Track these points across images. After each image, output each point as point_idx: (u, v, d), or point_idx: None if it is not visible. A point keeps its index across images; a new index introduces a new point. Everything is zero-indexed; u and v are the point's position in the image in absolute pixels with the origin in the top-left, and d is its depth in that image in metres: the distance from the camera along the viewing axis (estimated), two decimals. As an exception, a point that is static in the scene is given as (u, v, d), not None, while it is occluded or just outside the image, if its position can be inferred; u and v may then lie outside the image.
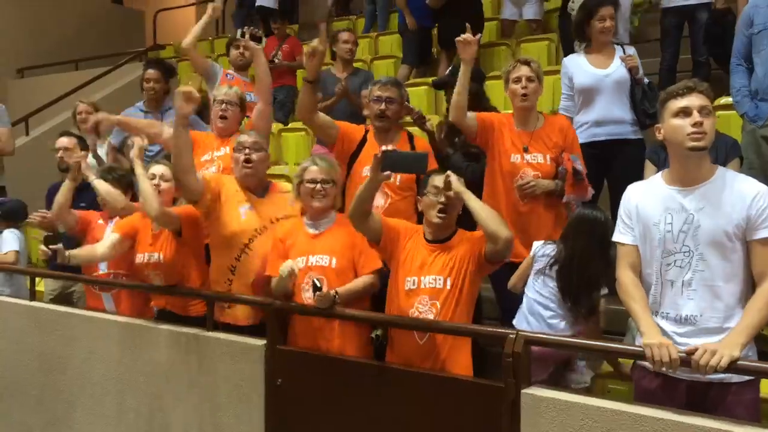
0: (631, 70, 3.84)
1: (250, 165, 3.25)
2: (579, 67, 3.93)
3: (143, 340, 3.46)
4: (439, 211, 2.78)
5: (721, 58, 5.18)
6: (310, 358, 2.99)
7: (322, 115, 3.33)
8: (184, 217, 3.37)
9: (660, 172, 2.45)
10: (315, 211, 3.09)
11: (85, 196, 4.17)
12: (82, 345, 3.71)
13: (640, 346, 2.23)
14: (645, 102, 3.86)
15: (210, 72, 4.86)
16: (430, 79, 6.21)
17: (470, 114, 3.29)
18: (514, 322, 2.96)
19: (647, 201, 2.36)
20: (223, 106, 3.77)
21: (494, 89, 4.63)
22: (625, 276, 2.36)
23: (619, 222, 2.44)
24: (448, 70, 4.58)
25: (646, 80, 3.94)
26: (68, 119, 7.78)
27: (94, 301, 3.90)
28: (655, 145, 3.49)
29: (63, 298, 4.36)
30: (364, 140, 3.37)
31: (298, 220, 3.17)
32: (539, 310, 2.89)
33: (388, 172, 2.63)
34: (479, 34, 3.12)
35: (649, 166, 3.43)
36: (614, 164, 3.77)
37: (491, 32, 6.86)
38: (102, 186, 3.79)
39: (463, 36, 3.13)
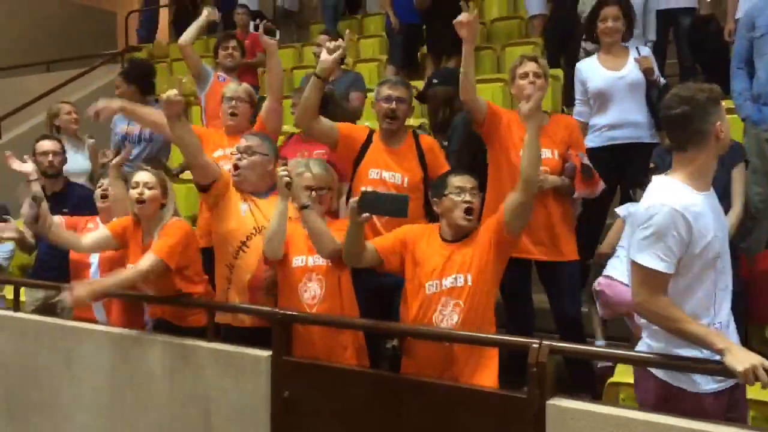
0: (645, 72, 3.79)
1: (236, 172, 3.22)
2: (592, 70, 3.88)
3: (138, 351, 3.32)
4: (466, 212, 2.72)
5: (702, 64, 5.25)
6: (319, 369, 2.89)
7: (322, 118, 3.24)
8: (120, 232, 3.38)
9: (671, 181, 2.22)
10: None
11: (65, 201, 4.03)
12: (72, 357, 3.55)
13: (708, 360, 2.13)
14: (659, 104, 3.84)
15: (202, 73, 4.80)
16: (416, 82, 6.18)
17: (480, 98, 3.23)
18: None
19: (699, 213, 2.16)
20: (233, 102, 3.74)
21: (481, 92, 4.60)
22: (664, 302, 2.14)
23: (659, 248, 2.12)
24: (427, 79, 4.53)
25: (662, 80, 3.90)
26: (43, 122, 7.64)
27: (83, 311, 3.73)
28: (660, 149, 3.47)
29: (46, 308, 4.18)
30: (369, 140, 3.29)
31: (296, 220, 3.10)
32: None
33: (366, 215, 2.58)
34: (476, 10, 3.05)
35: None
36: (629, 168, 3.73)
37: (479, 36, 6.86)
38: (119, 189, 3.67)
39: (460, 17, 3.03)
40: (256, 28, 3.77)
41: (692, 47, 5.13)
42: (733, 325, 2.30)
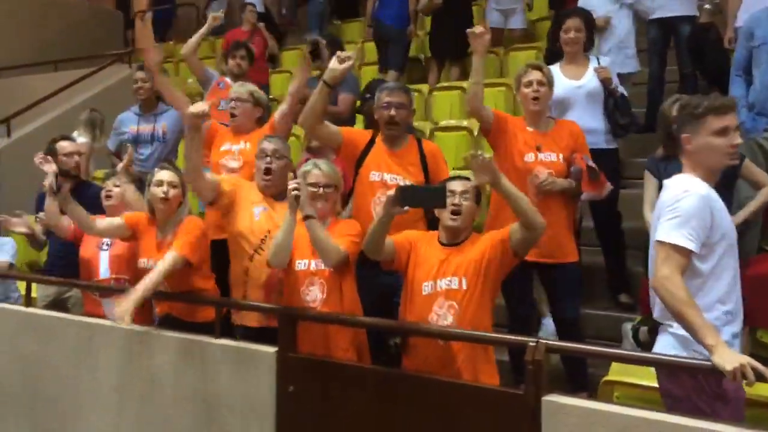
0: (604, 81, 3.93)
1: (269, 177, 3.29)
2: (554, 78, 4.00)
3: (147, 347, 3.41)
4: (453, 213, 2.81)
5: (702, 72, 5.34)
6: (323, 365, 2.98)
7: (327, 122, 3.34)
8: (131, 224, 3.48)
9: (691, 176, 2.40)
10: (317, 215, 3.08)
11: (80, 198, 4.10)
12: (82, 352, 3.64)
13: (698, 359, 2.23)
14: (616, 113, 3.97)
15: (206, 78, 4.91)
16: (421, 86, 6.28)
17: (487, 107, 3.37)
18: None
19: (718, 203, 2.36)
20: (233, 103, 3.84)
21: (484, 96, 4.69)
22: (680, 282, 2.26)
23: (687, 228, 2.27)
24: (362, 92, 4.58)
25: (621, 90, 4.04)
26: (52, 121, 7.74)
27: (93, 307, 3.83)
28: (653, 158, 3.56)
29: (58, 304, 4.28)
30: (371, 143, 3.37)
31: (301, 221, 3.17)
32: None
33: (406, 207, 2.65)
34: (488, 21, 3.18)
35: (649, 177, 3.50)
36: None
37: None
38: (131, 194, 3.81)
39: (474, 28, 3.19)
40: (316, 44, 3.62)
41: (692, 55, 5.21)
42: (741, 316, 2.42)
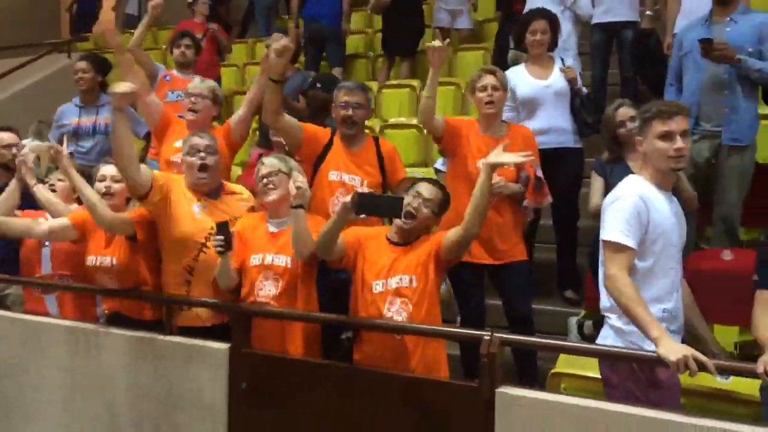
0: (570, 82, 4.04)
1: (204, 174, 3.18)
2: (521, 78, 4.11)
3: (94, 344, 3.32)
4: (406, 215, 2.84)
5: (642, 77, 5.52)
6: (277, 361, 2.97)
7: (287, 116, 3.31)
8: (138, 221, 3.25)
9: (638, 178, 2.54)
10: (270, 206, 3.06)
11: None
12: (29, 351, 3.52)
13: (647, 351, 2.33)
14: (583, 112, 4.09)
15: (154, 73, 4.82)
16: (371, 83, 6.30)
17: (438, 118, 3.40)
18: None
19: (656, 205, 2.45)
20: (192, 98, 3.70)
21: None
22: (627, 279, 2.36)
23: (623, 226, 2.41)
24: (312, 78, 4.63)
25: (585, 90, 4.17)
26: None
27: (34, 305, 3.70)
28: (599, 159, 3.67)
29: (-4, 301, 4.12)
30: (330, 143, 3.37)
31: (261, 215, 3.14)
32: None
33: (362, 216, 2.69)
34: (447, 40, 3.22)
35: (596, 177, 3.60)
36: (556, 172, 3.94)
37: (428, 40, 6.99)
38: (42, 194, 3.58)
39: (433, 42, 3.23)
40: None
41: (633, 59, 5.38)
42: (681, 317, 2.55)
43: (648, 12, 5.23)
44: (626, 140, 3.42)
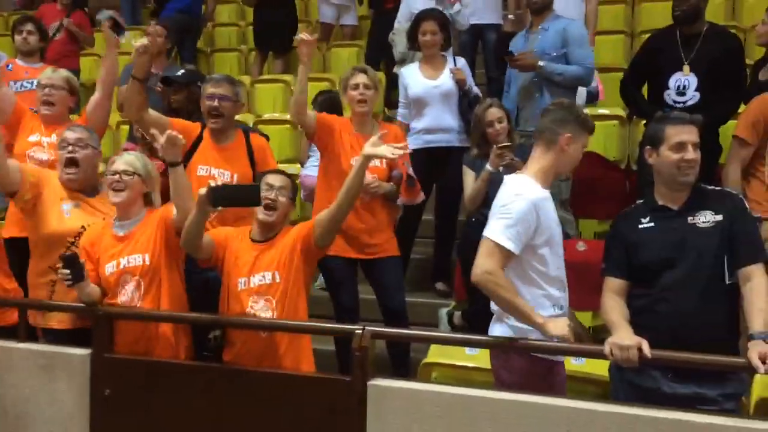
0: (458, 83, 4.16)
1: (73, 170, 3.02)
2: (412, 77, 4.21)
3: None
4: (266, 208, 2.81)
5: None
6: (141, 365, 2.86)
7: (152, 112, 3.18)
8: None
9: (525, 178, 2.54)
10: (117, 207, 2.91)
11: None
12: None
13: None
14: (470, 112, 4.23)
15: None
16: (243, 78, 6.16)
17: (311, 113, 3.39)
18: None
19: (547, 206, 2.50)
20: (47, 90, 3.49)
21: (309, 92, 4.74)
22: (503, 275, 2.42)
23: (513, 232, 2.42)
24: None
25: (475, 91, 4.29)
26: None
27: None
28: (469, 155, 3.80)
29: None
30: (200, 138, 3.28)
31: (105, 223, 2.99)
32: None
33: (219, 208, 2.63)
34: (315, 34, 3.21)
35: (467, 171, 3.73)
36: (443, 170, 4.07)
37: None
38: None
39: (302, 35, 3.22)
40: (113, 21, 3.53)
41: (497, 61, 5.62)
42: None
43: (510, 16, 5.48)
44: (494, 139, 3.57)
